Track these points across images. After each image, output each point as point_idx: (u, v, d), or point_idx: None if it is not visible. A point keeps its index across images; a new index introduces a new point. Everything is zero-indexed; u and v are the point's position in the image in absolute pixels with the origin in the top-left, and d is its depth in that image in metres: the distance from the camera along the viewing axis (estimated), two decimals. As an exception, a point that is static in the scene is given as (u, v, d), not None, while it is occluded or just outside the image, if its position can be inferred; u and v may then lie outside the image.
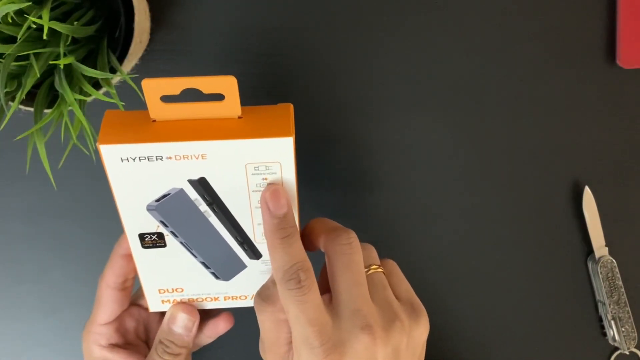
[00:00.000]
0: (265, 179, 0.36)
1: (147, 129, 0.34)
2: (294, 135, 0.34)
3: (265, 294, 0.37)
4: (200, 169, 0.35)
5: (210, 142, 0.34)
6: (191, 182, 0.36)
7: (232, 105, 0.34)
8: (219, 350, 0.53)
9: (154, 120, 0.35)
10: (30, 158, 0.40)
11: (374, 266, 0.37)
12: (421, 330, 0.37)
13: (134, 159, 0.34)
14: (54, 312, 0.53)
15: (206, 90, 0.33)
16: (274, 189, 0.36)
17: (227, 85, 0.33)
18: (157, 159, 0.34)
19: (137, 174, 0.35)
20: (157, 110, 0.34)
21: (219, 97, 0.34)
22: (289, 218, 0.36)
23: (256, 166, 0.35)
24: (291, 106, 0.36)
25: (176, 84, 0.33)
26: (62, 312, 0.53)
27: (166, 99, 0.34)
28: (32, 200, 0.52)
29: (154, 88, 0.33)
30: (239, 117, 0.35)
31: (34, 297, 0.53)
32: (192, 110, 0.34)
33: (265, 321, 0.37)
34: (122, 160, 0.34)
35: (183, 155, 0.34)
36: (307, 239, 0.39)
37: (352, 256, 0.36)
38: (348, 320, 0.34)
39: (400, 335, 0.35)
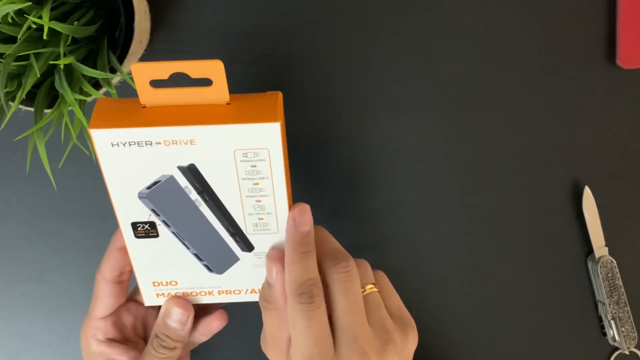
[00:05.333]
0: (255, 166, 0.36)
1: (137, 115, 0.35)
2: (281, 121, 0.35)
3: (266, 295, 0.39)
4: (189, 155, 0.35)
5: (197, 127, 0.34)
6: (181, 168, 0.36)
7: (220, 91, 0.35)
8: (219, 351, 0.53)
9: (144, 106, 0.35)
10: (30, 158, 0.40)
11: (369, 285, 0.39)
12: (410, 345, 0.39)
13: (124, 144, 0.35)
14: (54, 313, 0.53)
15: (194, 74, 0.34)
16: (302, 206, 0.38)
17: (214, 69, 0.34)
18: (146, 144, 0.35)
19: (128, 159, 0.35)
20: (147, 95, 0.35)
21: (207, 83, 0.35)
22: (311, 236, 0.38)
23: (245, 152, 0.36)
24: (279, 94, 0.36)
25: (164, 68, 0.34)
26: (62, 313, 0.53)
27: (156, 85, 0.35)
28: (32, 200, 0.52)
29: (143, 72, 0.34)
30: (228, 103, 0.35)
31: (34, 298, 0.53)
32: (181, 95, 0.35)
33: (268, 317, 0.39)
34: (112, 145, 0.35)
35: (172, 141, 0.35)
36: None
37: (351, 284, 0.37)
38: (346, 347, 0.36)
39: (393, 356, 0.37)
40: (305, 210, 0.38)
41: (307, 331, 0.36)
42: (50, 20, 0.36)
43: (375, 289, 0.39)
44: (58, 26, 0.37)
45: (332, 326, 0.37)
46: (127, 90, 0.49)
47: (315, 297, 0.36)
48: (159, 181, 0.37)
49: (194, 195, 0.37)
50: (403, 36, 0.51)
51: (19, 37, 0.37)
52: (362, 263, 0.40)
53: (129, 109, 0.35)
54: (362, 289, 0.39)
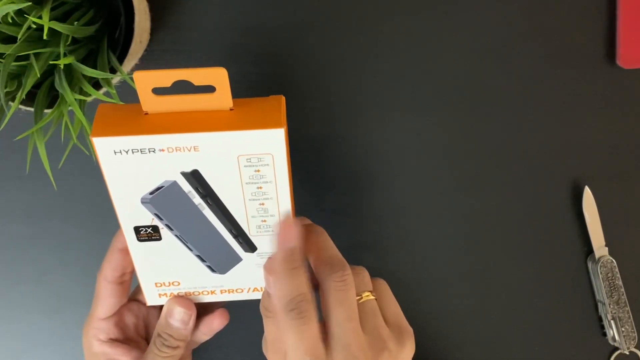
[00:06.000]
0: (258, 171, 0.36)
1: (140, 122, 0.35)
2: (285, 127, 0.35)
3: (265, 303, 0.39)
4: (193, 161, 0.35)
5: (201, 134, 0.34)
6: (184, 174, 0.36)
7: (223, 97, 0.34)
8: (221, 350, 0.53)
9: (147, 113, 0.35)
10: (30, 158, 0.40)
11: (366, 293, 0.39)
12: (406, 354, 0.39)
13: (127, 152, 0.35)
14: (54, 313, 0.53)
15: (197, 82, 0.34)
16: (287, 223, 0.38)
17: (218, 76, 0.34)
18: (149, 151, 0.35)
19: (131, 166, 0.35)
20: (149, 102, 0.34)
21: (210, 89, 0.35)
22: (297, 251, 0.38)
23: (248, 158, 0.35)
24: (283, 98, 0.36)
25: (167, 76, 0.34)
26: (63, 313, 0.53)
27: (158, 92, 0.35)
28: (32, 200, 0.52)
29: (145, 80, 0.34)
30: (231, 109, 0.35)
31: (34, 298, 0.53)
32: (183, 102, 0.35)
33: (268, 324, 0.39)
34: (115, 152, 0.35)
35: (175, 148, 0.35)
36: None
37: (346, 292, 0.38)
38: (339, 354, 0.36)
39: None
40: (290, 227, 0.38)
41: (298, 344, 0.36)
42: (50, 20, 0.36)
43: (372, 297, 0.39)
44: (58, 26, 0.37)
45: (326, 333, 0.37)
46: (127, 90, 0.49)
47: (305, 313, 0.36)
48: (162, 187, 0.37)
49: (197, 199, 0.37)
50: (404, 36, 0.51)
51: (19, 37, 0.37)
52: (360, 270, 0.40)
53: (131, 116, 0.35)
54: (359, 297, 0.39)
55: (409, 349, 0.39)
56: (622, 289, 0.53)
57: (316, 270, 0.39)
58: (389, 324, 0.39)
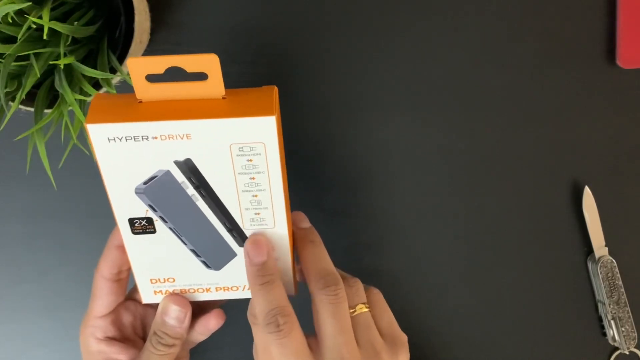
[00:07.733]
0: (251, 160, 0.36)
1: (133, 109, 0.35)
2: (277, 115, 0.35)
3: (253, 310, 0.39)
4: (185, 149, 0.36)
5: (193, 121, 0.34)
6: (177, 163, 0.36)
7: (215, 85, 0.35)
8: (219, 351, 0.53)
9: (140, 101, 0.35)
10: (30, 158, 0.40)
11: (360, 305, 0.39)
12: None
13: (120, 139, 0.35)
14: (54, 313, 0.53)
15: (189, 68, 0.34)
16: (254, 239, 0.39)
17: (210, 63, 0.34)
18: (143, 138, 0.35)
19: (125, 154, 0.36)
20: (143, 90, 0.35)
21: (203, 78, 0.35)
22: (268, 266, 0.39)
23: (240, 147, 0.36)
24: (275, 88, 0.36)
25: (160, 62, 0.34)
26: (62, 313, 0.53)
27: (152, 80, 0.35)
28: (32, 200, 0.52)
29: (138, 67, 0.34)
30: (223, 98, 0.35)
31: (34, 298, 0.53)
32: (176, 89, 0.35)
33: (256, 331, 0.39)
34: (109, 140, 0.35)
35: (168, 135, 0.35)
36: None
37: (338, 305, 0.38)
38: None
39: None
40: (257, 243, 0.39)
41: (281, 358, 0.37)
42: (50, 20, 0.36)
43: (366, 309, 0.39)
44: (58, 26, 0.37)
45: (320, 348, 0.37)
46: (127, 91, 0.49)
47: (283, 326, 0.36)
48: (156, 176, 0.37)
49: (190, 190, 0.38)
50: (403, 36, 0.51)
51: (19, 37, 0.37)
52: (354, 282, 0.40)
53: (125, 104, 0.35)
54: (352, 310, 0.39)
55: (403, 359, 0.39)
56: (622, 289, 0.53)
57: (309, 282, 0.39)
58: (383, 334, 0.40)
